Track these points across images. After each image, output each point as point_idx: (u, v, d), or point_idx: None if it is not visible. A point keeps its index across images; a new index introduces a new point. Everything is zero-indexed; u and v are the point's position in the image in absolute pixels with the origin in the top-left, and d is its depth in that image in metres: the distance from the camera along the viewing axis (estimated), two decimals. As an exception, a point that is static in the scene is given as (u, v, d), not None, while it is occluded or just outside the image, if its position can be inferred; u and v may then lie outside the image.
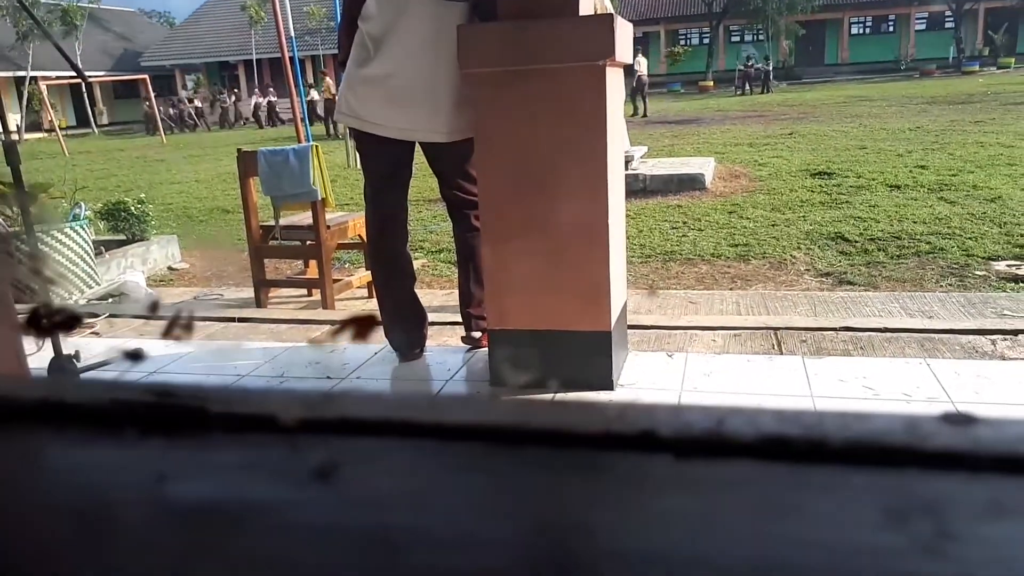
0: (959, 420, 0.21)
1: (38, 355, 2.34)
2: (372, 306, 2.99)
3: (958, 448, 0.20)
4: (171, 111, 28.93)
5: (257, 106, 26.98)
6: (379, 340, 2.78)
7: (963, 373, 2.27)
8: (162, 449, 0.24)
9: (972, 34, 34.05)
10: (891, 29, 36.96)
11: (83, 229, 4.25)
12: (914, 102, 15.94)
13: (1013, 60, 30.16)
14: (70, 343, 2.81)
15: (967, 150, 8.06)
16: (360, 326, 0.36)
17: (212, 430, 0.24)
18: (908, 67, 31.89)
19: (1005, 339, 2.57)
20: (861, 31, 37.36)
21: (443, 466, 0.22)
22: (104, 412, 0.25)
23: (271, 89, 27.73)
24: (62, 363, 2.40)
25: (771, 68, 26.36)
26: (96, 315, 3.47)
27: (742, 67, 26.38)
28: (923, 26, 36.27)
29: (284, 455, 0.23)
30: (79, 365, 2.50)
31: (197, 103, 30.76)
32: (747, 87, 25.62)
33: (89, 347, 2.94)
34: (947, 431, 0.21)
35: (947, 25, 34.40)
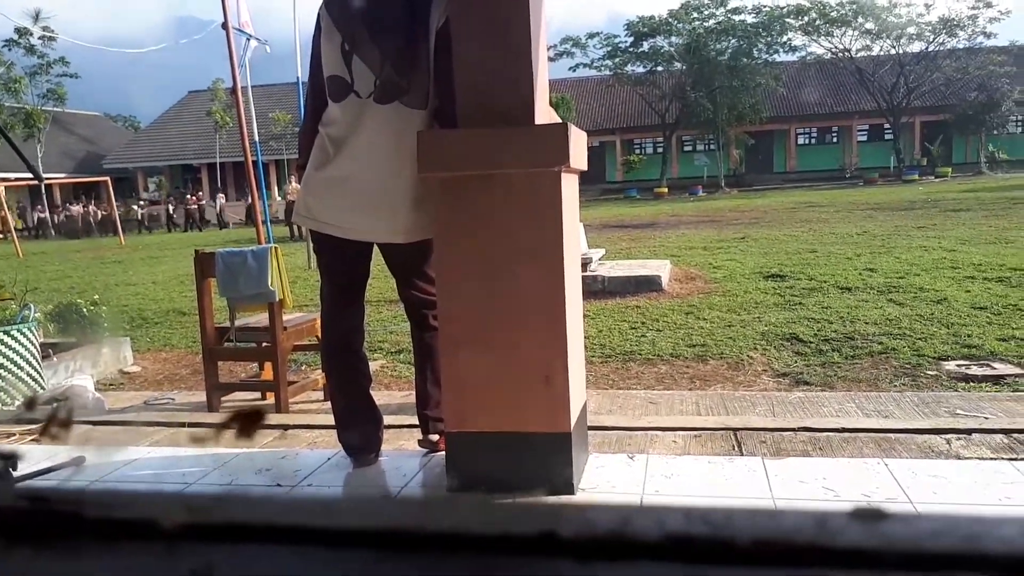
0: (870, 516, 0.20)
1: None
2: (327, 408, 2.92)
3: (868, 546, 0.19)
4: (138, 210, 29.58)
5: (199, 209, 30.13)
6: (331, 444, 2.71)
7: (920, 472, 2.27)
8: (26, 560, 0.21)
9: (910, 145, 36.11)
10: (835, 140, 39.06)
11: (31, 331, 4.13)
12: (860, 208, 16.63)
13: (950, 169, 31.97)
14: (5, 449, 2.68)
15: (912, 254, 8.36)
16: (245, 423, 0.34)
17: (86, 538, 0.22)
18: (852, 175, 33.55)
19: (959, 438, 2.60)
20: (807, 141, 39.40)
21: (329, 576, 0.21)
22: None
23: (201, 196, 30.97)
24: (-5, 471, 2.28)
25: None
26: (37, 420, 3.34)
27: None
28: (864, 137, 38.44)
29: (156, 564, 0.21)
30: (15, 473, 2.37)
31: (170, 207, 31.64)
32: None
33: (30, 454, 2.81)
34: (857, 528, 0.20)
35: (887, 136, 36.45)
